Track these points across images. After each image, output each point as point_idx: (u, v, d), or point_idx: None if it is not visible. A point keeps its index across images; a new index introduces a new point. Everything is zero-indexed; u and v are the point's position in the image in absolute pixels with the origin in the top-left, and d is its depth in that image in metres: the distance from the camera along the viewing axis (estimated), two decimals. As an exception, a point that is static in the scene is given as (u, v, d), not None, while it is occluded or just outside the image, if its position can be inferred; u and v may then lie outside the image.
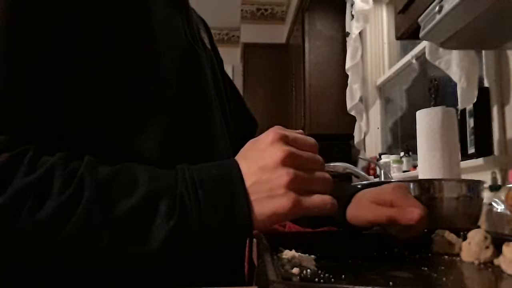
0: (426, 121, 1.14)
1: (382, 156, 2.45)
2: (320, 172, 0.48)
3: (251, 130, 0.87)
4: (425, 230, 0.57)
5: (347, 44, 3.02)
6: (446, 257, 0.53)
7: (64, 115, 0.50)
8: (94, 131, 0.52)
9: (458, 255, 0.52)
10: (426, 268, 0.47)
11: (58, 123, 0.50)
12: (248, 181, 0.46)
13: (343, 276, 0.41)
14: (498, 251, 0.46)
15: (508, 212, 0.84)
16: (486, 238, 0.48)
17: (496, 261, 0.46)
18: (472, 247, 0.48)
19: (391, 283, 0.40)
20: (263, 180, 0.46)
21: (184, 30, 0.63)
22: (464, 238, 0.52)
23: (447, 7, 1.03)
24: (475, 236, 0.48)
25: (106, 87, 0.52)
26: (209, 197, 0.44)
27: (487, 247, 0.47)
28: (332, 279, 0.40)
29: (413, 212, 0.53)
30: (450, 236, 0.55)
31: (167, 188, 0.45)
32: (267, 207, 0.45)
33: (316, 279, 0.40)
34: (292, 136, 0.48)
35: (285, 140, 0.47)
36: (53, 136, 0.49)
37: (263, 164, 0.46)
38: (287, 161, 0.46)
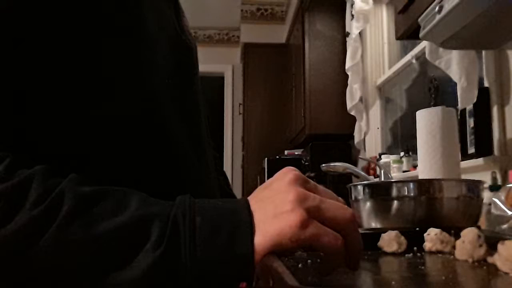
0: (426, 121, 1.14)
1: (382, 156, 2.45)
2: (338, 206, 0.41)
3: None
4: (417, 229, 0.58)
5: (347, 44, 3.02)
6: (440, 255, 0.54)
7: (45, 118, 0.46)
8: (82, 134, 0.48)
9: (450, 253, 0.53)
10: (423, 267, 0.47)
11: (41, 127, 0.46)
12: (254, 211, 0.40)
13: (342, 276, 0.41)
14: (491, 250, 0.47)
15: (508, 212, 0.84)
16: (479, 236, 0.49)
17: (490, 259, 0.46)
18: (466, 245, 0.49)
19: (393, 282, 0.40)
20: (266, 200, 0.41)
21: (174, 22, 0.62)
22: (456, 237, 0.52)
23: (447, 7, 1.03)
24: (469, 235, 0.49)
25: (93, 80, 0.48)
26: (207, 225, 0.39)
27: (480, 246, 0.48)
28: (332, 279, 0.40)
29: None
30: (442, 235, 0.57)
31: (162, 212, 0.40)
32: (269, 230, 0.39)
33: (316, 280, 0.40)
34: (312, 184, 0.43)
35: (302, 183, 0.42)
36: (32, 137, 0.45)
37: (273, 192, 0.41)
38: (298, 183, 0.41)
